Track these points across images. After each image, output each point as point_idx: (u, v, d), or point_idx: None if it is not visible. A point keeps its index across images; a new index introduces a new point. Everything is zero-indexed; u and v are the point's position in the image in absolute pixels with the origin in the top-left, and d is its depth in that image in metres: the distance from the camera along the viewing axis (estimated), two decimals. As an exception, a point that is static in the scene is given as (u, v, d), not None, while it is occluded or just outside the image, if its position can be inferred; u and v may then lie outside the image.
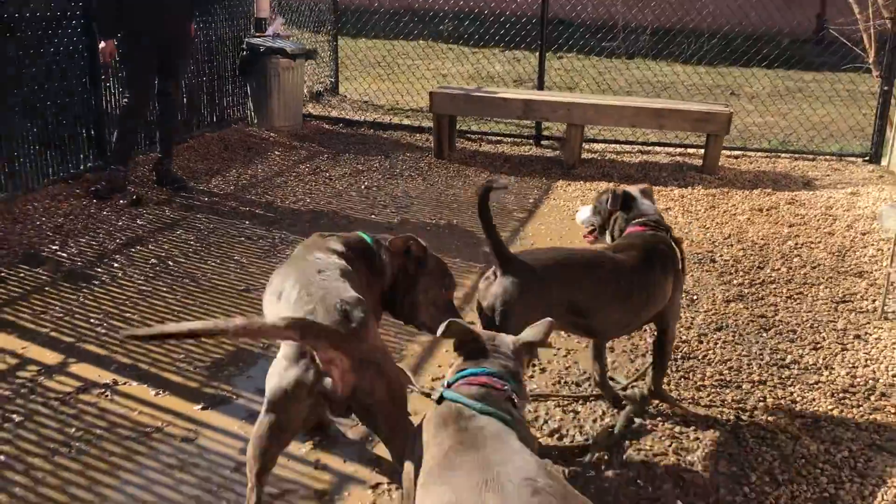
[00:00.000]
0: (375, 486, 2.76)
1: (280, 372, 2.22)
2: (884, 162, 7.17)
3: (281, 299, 2.38)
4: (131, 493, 2.70)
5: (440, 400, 2.02)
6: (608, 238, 3.34)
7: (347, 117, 8.70)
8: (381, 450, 2.95)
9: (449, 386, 2.06)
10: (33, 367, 3.47)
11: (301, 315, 2.21)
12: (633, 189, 3.34)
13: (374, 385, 2.20)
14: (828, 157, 7.50)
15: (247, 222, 5.44)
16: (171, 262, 4.69)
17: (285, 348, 2.25)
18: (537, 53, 8.01)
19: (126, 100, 5.87)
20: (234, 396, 3.29)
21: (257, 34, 8.21)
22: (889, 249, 5.07)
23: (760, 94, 10.53)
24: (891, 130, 7.08)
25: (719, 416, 3.22)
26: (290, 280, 2.43)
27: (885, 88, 7.08)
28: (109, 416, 3.12)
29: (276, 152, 7.32)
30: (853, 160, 7.40)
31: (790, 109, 9.01)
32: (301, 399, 2.19)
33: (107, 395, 3.27)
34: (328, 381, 2.15)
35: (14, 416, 3.10)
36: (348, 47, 11.06)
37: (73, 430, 3.03)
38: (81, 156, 6.17)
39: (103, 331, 3.82)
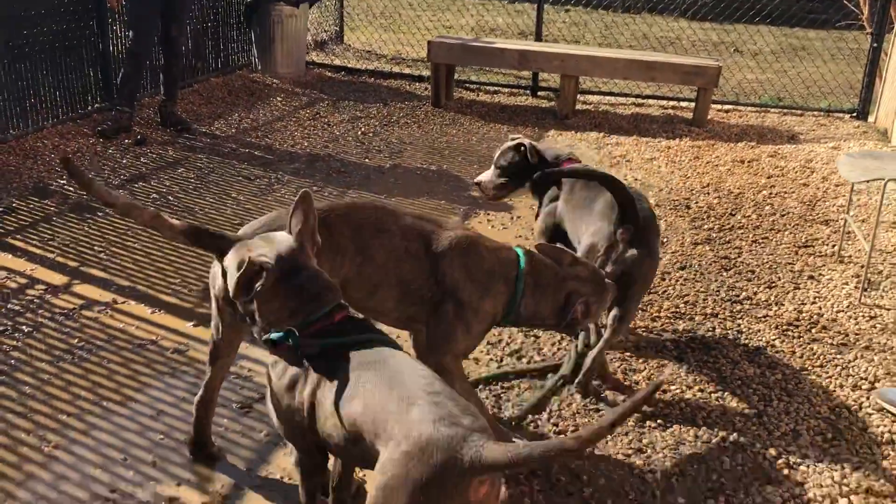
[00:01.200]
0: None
1: None
2: (870, 118, 7.32)
3: None
4: (127, 393, 3.00)
5: (319, 352, 1.95)
6: (533, 195, 3.61)
7: (349, 66, 8.89)
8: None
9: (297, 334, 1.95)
10: (41, 286, 3.77)
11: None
12: (526, 140, 3.59)
13: None
14: (816, 112, 7.66)
15: (245, 163, 5.70)
16: (171, 198, 4.97)
17: None
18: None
19: (130, 43, 6.09)
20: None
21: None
22: (857, 199, 5.30)
23: (763, 51, 10.60)
24: (881, 84, 7.21)
25: (668, 344, 3.49)
26: None
27: (875, 45, 7.21)
28: (109, 330, 3.43)
29: (278, 98, 7.54)
30: (840, 116, 7.55)
31: (790, 67, 9.12)
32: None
33: (107, 312, 3.57)
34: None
35: (24, 327, 3.41)
36: (354, -3, 11.18)
37: (76, 340, 3.34)
38: (89, 97, 6.42)
39: (105, 257, 4.12)
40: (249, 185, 5.27)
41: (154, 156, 5.73)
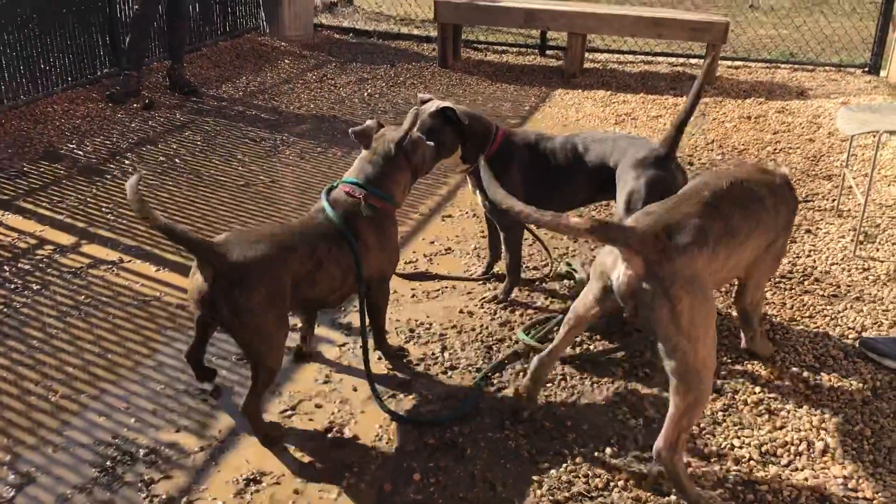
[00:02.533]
0: (342, 346, 3.14)
1: None
2: (882, 73, 7.23)
3: None
4: (130, 347, 3.11)
5: None
6: (467, 166, 3.32)
7: (358, 27, 8.89)
8: (350, 317, 3.35)
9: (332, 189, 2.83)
10: (50, 246, 3.89)
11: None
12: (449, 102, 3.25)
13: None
14: (827, 67, 7.58)
15: (252, 125, 5.77)
16: (178, 160, 5.06)
17: None
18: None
19: (137, 7, 6.14)
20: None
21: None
22: (861, 153, 5.28)
23: (780, 7, 10.47)
24: (893, 34, 7.09)
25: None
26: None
27: (887, -2, 7.10)
28: (114, 287, 3.54)
29: (286, 61, 7.58)
30: (852, 71, 7.47)
31: (802, 22, 8.99)
32: None
33: (113, 270, 3.68)
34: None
35: (33, 285, 3.53)
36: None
37: (83, 297, 3.45)
38: (97, 62, 6.50)
39: (113, 218, 4.22)
40: (255, 147, 5.34)
41: (162, 119, 5.82)
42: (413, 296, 3.54)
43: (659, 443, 2.29)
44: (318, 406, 2.79)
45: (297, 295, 2.58)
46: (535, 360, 2.71)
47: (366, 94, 6.64)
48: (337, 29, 8.88)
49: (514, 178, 3.27)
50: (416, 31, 8.83)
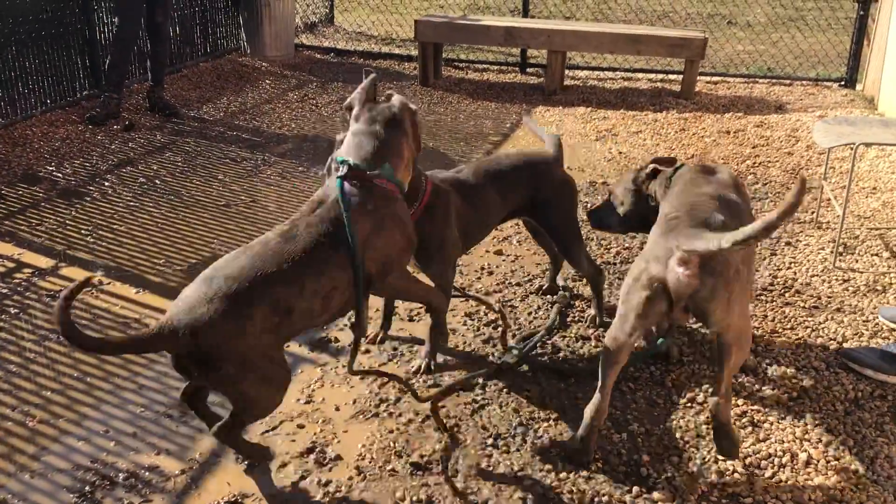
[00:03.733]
0: (324, 365, 3.12)
1: None
2: (858, 87, 7.32)
3: None
4: (109, 369, 3.08)
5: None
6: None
7: (339, 47, 8.91)
8: (332, 333, 3.33)
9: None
10: (28, 270, 3.85)
11: None
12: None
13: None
14: (804, 82, 7.67)
15: (232, 145, 5.76)
16: (158, 181, 5.03)
17: None
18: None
19: (116, 29, 6.13)
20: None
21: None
22: (840, 166, 5.33)
23: (756, 23, 10.59)
24: (868, 48, 7.20)
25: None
26: None
27: (861, 13, 7.20)
28: (94, 310, 3.50)
29: (267, 81, 7.59)
30: (829, 85, 7.56)
31: (779, 38, 9.10)
32: None
33: (93, 293, 3.64)
34: None
35: (11, 309, 3.49)
36: (344, -22, 11.17)
37: (61, 320, 3.41)
38: (77, 84, 6.48)
39: (92, 240, 4.19)
40: (236, 167, 5.33)
41: (142, 140, 5.79)
42: (395, 314, 3.52)
43: (716, 397, 2.46)
44: (301, 426, 2.76)
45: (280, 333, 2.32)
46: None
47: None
48: (318, 49, 8.90)
49: (453, 224, 3.07)
50: (397, 51, 8.87)
